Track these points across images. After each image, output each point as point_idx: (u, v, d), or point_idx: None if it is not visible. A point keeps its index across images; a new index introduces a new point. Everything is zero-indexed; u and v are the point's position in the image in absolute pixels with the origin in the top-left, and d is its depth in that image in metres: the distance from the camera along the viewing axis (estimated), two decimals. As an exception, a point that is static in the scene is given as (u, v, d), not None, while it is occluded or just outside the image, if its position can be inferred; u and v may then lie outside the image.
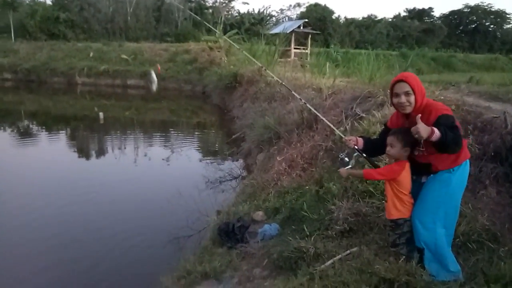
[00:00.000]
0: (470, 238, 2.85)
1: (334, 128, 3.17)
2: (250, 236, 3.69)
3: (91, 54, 22.44)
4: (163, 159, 8.32)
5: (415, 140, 2.32)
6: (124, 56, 22.01)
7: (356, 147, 2.65)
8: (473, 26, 50.45)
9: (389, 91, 2.53)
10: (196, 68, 20.26)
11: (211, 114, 15.31)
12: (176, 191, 5.51)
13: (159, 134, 11.56)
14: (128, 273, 4.15)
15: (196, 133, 12.22)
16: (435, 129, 2.11)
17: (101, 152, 8.91)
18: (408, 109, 2.38)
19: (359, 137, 2.74)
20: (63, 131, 11.62)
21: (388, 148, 2.49)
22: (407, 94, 2.35)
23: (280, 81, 3.91)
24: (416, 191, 2.51)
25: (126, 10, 31.74)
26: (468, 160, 2.45)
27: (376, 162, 2.95)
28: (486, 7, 49.54)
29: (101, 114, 12.33)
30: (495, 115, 3.94)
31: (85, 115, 13.87)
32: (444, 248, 2.41)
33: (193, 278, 3.21)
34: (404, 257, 2.48)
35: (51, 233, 4.84)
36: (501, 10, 50.06)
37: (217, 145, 10.42)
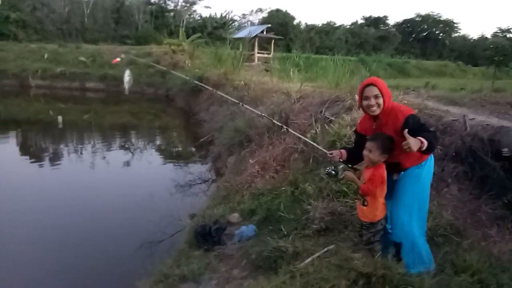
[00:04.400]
0: (437, 232, 3.05)
1: (319, 147, 3.23)
2: (227, 238, 3.71)
3: (46, 56, 21.31)
4: (130, 164, 8.11)
5: (393, 147, 2.48)
6: (82, 58, 21.13)
7: (341, 160, 2.73)
8: (425, 34, 53.54)
9: (357, 94, 2.67)
10: (158, 71, 19.89)
11: (176, 117, 15.08)
12: (145, 196, 5.40)
13: (124, 138, 11.21)
14: (99, 280, 4.02)
15: (163, 137, 12.00)
16: (423, 140, 2.23)
17: (64, 158, 8.48)
18: (377, 111, 2.52)
19: (341, 149, 2.84)
20: (14, 137, 10.85)
21: (366, 153, 2.56)
22: (376, 97, 2.49)
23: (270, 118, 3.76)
24: (388, 188, 2.65)
25: (83, 11, 30.60)
26: (432, 155, 2.64)
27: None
28: (436, 17, 52.74)
29: (59, 118, 11.74)
30: (454, 118, 4.24)
31: (39, 119, 13.17)
32: (420, 239, 2.58)
33: (171, 282, 3.17)
34: (380, 253, 2.62)
35: (19, 241, 4.59)
36: (449, 20, 53.53)
37: (184, 148, 10.29)
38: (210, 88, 5.53)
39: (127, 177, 7.36)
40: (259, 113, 4.00)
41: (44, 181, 6.91)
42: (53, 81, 20.21)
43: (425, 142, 2.22)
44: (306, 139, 3.40)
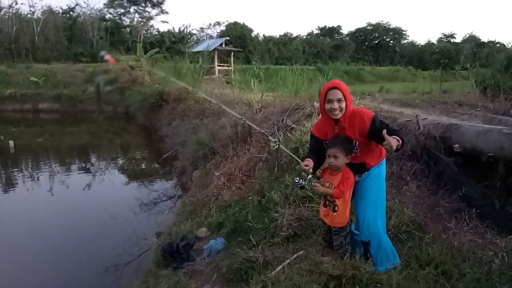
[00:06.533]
0: (400, 229, 3.15)
1: (295, 157, 3.03)
2: (196, 254, 3.62)
3: (-6, 78, 20.24)
4: (91, 187, 7.77)
5: (353, 146, 2.54)
6: (33, 79, 20.20)
7: (311, 170, 2.57)
8: (376, 41, 56.18)
9: (320, 96, 2.60)
10: (117, 88, 19.38)
11: (137, 134, 14.72)
12: (109, 218, 5.20)
13: (83, 160, 10.77)
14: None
15: (125, 155, 11.65)
16: (399, 138, 2.31)
17: (19, 185, 7.97)
18: (339, 115, 2.51)
19: (306, 158, 2.65)
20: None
21: (332, 160, 2.57)
22: (339, 100, 2.47)
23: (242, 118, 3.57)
24: None
25: (33, 29, 29.36)
26: None
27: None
28: (385, 25, 55.56)
29: (11, 143, 11.08)
30: (408, 119, 4.44)
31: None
32: (385, 235, 2.65)
33: (139, 305, 3.06)
34: (348, 254, 2.66)
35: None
36: (398, 28, 56.61)
37: (148, 166, 10.04)
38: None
39: (89, 201, 7.04)
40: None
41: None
42: (2, 104, 19.14)
43: (400, 140, 2.31)
44: (288, 151, 3.28)
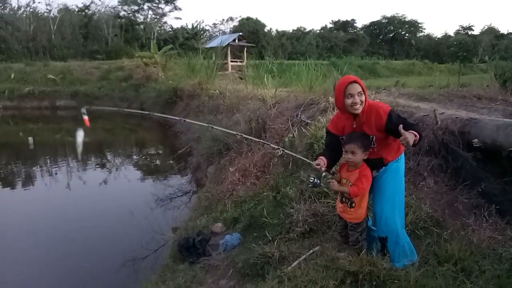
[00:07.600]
0: (417, 225, 3.11)
1: (306, 159, 3.06)
2: (212, 249, 3.66)
3: (13, 76, 20.70)
4: (108, 182, 7.91)
5: (370, 142, 2.51)
6: (51, 76, 20.61)
7: (324, 168, 2.55)
8: (391, 35, 55.18)
9: (338, 93, 2.52)
10: (131, 85, 19.61)
11: (152, 131, 14.88)
12: (126, 213, 5.27)
13: (100, 156, 10.94)
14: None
15: (140, 151, 11.80)
16: (416, 133, 2.26)
17: (38, 180, 8.18)
18: (360, 109, 2.47)
19: (319, 156, 2.62)
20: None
21: (349, 156, 2.55)
22: (359, 94, 2.44)
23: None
24: None
25: (50, 28, 29.89)
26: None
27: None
28: (401, 18, 54.50)
29: (30, 139, 11.38)
30: (425, 114, 4.36)
31: (8, 142, 12.72)
32: (402, 231, 2.62)
33: (157, 299, 3.11)
34: (365, 250, 2.65)
35: None
36: (414, 20, 55.45)
37: (163, 162, 10.15)
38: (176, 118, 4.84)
39: (106, 196, 7.17)
40: (233, 132, 3.85)
41: (18, 204, 6.65)
42: (21, 101, 19.64)
43: (417, 135, 2.27)
44: (292, 153, 3.33)
